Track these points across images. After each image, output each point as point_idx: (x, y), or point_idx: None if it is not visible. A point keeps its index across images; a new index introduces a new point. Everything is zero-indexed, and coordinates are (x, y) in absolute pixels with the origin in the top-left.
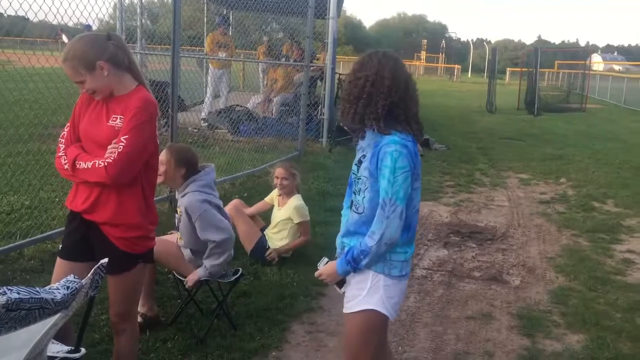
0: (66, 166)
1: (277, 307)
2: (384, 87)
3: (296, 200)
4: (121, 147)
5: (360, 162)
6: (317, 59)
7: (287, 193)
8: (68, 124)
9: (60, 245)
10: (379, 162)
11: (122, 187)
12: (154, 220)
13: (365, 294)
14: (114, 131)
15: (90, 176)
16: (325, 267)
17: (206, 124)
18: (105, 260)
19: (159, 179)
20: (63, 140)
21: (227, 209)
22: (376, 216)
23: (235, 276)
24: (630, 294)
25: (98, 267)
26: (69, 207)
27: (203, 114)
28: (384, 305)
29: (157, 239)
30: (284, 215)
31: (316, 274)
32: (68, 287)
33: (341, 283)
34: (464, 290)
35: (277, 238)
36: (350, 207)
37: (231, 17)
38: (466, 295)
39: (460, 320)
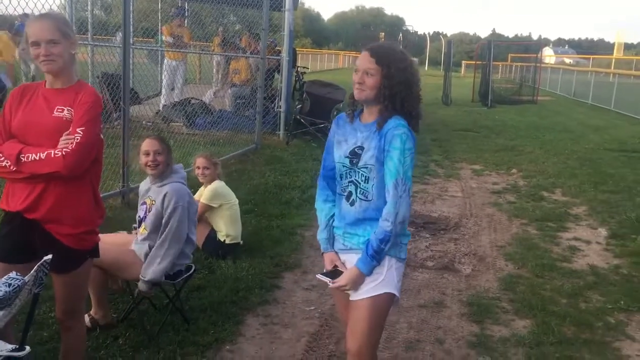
0: (5, 162)
1: (231, 301)
2: (411, 79)
3: (213, 184)
4: (78, 137)
5: (354, 153)
6: (279, 50)
7: (209, 182)
8: None
9: None
10: (386, 144)
11: (70, 181)
12: (102, 214)
13: (382, 278)
14: (62, 122)
15: (43, 167)
16: (346, 277)
17: (148, 121)
18: (49, 256)
19: (153, 170)
20: None
21: None
22: (390, 198)
23: (188, 273)
24: (575, 279)
25: (42, 264)
26: (4, 209)
27: (161, 106)
28: (397, 288)
29: (109, 246)
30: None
31: (335, 286)
32: (10, 285)
33: (334, 275)
34: (417, 280)
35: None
36: (356, 196)
37: (186, 9)
38: (419, 284)
39: (412, 309)
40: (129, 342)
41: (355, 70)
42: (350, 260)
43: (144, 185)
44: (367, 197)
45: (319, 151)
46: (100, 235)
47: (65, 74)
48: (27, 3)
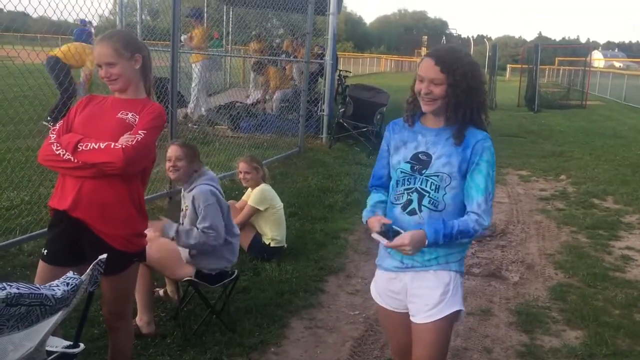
0: (59, 151)
1: (276, 303)
2: (481, 90)
3: (260, 187)
4: (139, 137)
5: (417, 159)
6: (321, 53)
7: (253, 186)
8: (61, 122)
9: (45, 250)
10: (475, 157)
11: (118, 181)
12: (146, 218)
13: (449, 297)
14: (124, 124)
15: (100, 156)
16: (412, 237)
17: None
18: (104, 255)
19: (173, 175)
20: (54, 133)
21: None
22: (482, 212)
23: (231, 277)
24: (629, 290)
25: (97, 263)
26: (54, 207)
27: (188, 109)
28: (463, 302)
29: (155, 243)
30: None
31: (397, 243)
32: (68, 284)
33: (388, 234)
34: (463, 287)
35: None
36: (422, 204)
37: (231, 14)
38: (465, 291)
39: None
40: (176, 341)
41: (419, 80)
42: (410, 284)
43: (183, 190)
44: (437, 207)
45: (361, 155)
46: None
47: (132, 88)
48: (81, 8)
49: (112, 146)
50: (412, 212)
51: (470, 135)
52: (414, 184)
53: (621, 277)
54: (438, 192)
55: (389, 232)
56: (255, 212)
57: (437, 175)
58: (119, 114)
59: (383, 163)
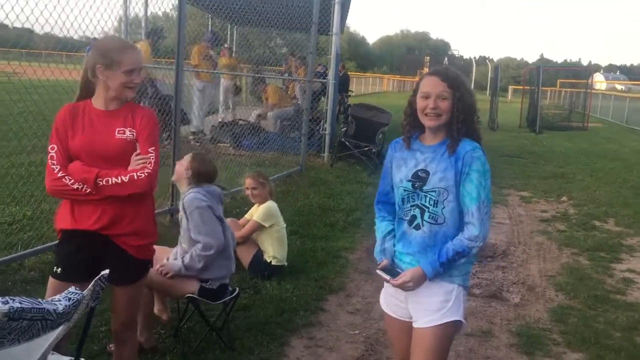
0: (78, 185)
1: (276, 322)
2: (474, 106)
3: (267, 204)
4: (152, 157)
5: (417, 176)
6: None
7: (261, 202)
8: (53, 145)
9: (58, 268)
10: (465, 167)
11: (140, 197)
12: (156, 225)
13: (450, 305)
14: (126, 143)
15: (126, 189)
16: (411, 275)
17: (195, 137)
18: (107, 271)
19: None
20: (55, 162)
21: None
22: (475, 220)
23: (232, 295)
24: (630, 313)
25: (99, 278)
26: (70, 228)
27: (192, 127)
28: (464, 315)
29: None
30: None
31: (398, 282)
32: (69, 299)
33: (392, 273)
34: (466, 303)
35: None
36: (423, 219)
37: (235, 33)
38: (466, 312)
39: (459, 337)
40: (176, 358)
41: (424, 97)
42: (414, 292)
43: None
44: (437, 221)
45: (363, 174)
46: None
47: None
48: (87, 26)
49: (135, 177)
50: (417, 227)
51: (461, 147)
52: (417, 200)
53: (622, 300)
54: (437, 207)
55: (393, 272)
56: (259, 227)
57: (435, 191)
58: (117, 134)
59: (387, 180)
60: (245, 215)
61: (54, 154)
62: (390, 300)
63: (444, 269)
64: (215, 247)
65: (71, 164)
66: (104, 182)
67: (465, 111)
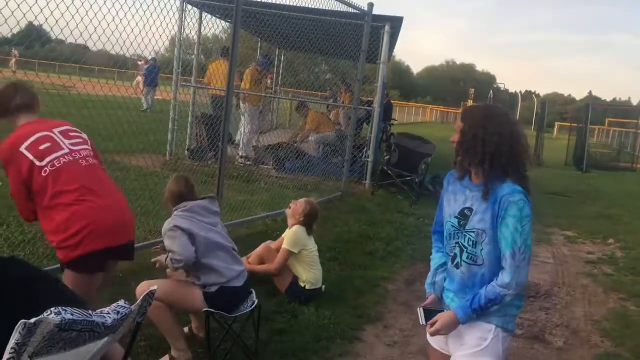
0: None
1: (312, 349)
2: (492, 142)
3: (293, 228)
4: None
5: (463, 214)
6: (370, 100)
7: (291, 224)
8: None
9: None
10: (501, 211)
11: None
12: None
13: (486, 345)
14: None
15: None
16: (442, 322)
17: (245, 160)
18: (155, 287)
19: None
20: None
21: (260, 249)
22: (507, 267)
23: (249, 308)
24: None
25: (148, 294)
26: (106, 246)
27: (241, 151)
28: (501, 357)
29: (160, 282)
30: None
31: (431, 330)
32: (118, 312)
33: (431, 314)
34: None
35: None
36: (461, 259)
37: (282, 57)
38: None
39: None
40: None
41: None
42: (457, 331)
43: None
44: (476, 262)
45: (404, 203)
46: None
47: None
48: (138, 44)
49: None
50: (457, 266)
51: (499, 189)
52: (459, 238)
53: None
54: (475, 248)
55: (432, 313)
56: (290, 254)
57: (474, 232)
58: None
59: (441, 210)
60: (282, 236)
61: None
62: (435, 339)
63: (477, 314)
64: (184, 260)
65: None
66: None
67: (467, 143)
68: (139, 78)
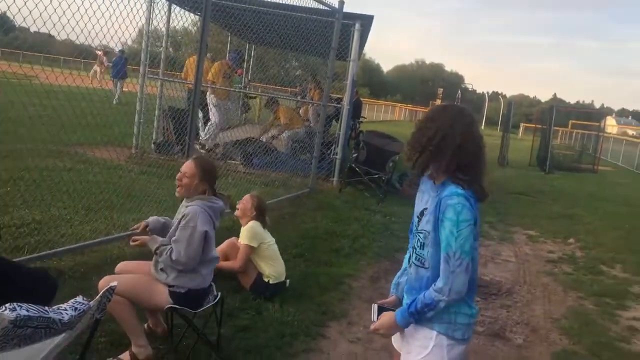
0: None
1: (276, 345)
2: (454, 143)
3: (249, 224)
4: None
5: (422, 214)
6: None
7: (245, 222)
8: None
9: None
10: (440, 214)
11: None
12: None
13: (427, 352)
14: None
15: None
16: (382, 321)
17: (201, 148)
18: (115, 283)
19: (178, 192)
20: None
21: (224, 245)
22: (442, 272)
23: (214, 302)
24: None
25: (107, 290)
26: None
27: (202, 140)
28: None
29: (123, 277)
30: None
31: (372, 328)
32: (76, 309)
33: (382, 312)
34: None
35: None
36: (412, 259)
37: (253, 52)
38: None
39: None
40: None
41: None
42: (407, 331)
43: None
44: (423, 264)
45: (371, 201)
46: (123, 264)
47: None
48: (105, 35)
49: None
50: (410, 266)
51: (443, 191)
52: (413, 239)
53: (627, 349)
54: (423, 249)
55: (382, 311)
56: (250, 249)
57: (421, 233)
58: None
59: None
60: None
61: None
62: (398, 340)
63: (414, 319)
64: (183, 267)
65: None
66: None
67: (420, 140)
68: (97, 67)
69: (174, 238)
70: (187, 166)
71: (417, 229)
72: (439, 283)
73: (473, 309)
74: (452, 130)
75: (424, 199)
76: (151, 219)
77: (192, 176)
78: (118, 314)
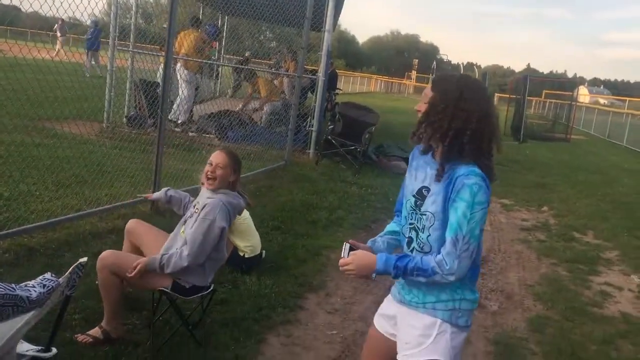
0: None
1: (253, 318)
2: (462, 112)
3: None
4: None
5: (421, 193)
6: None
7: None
8: None
9: None
10: (453, 193)
11: None
12: None
13: (430, 341)
14: None
15: None
16: (357, 257)
17: (173, 126)
18: (85, 259)
19: (208, 181)
20: None
21: None
22: (446, 252)
23: (207, 291)
24: (606, 327)
25: (76, 266)
26: None
27: (172, 116)
28: (449, 355)
29: (127, 254)
30: None
31: (342, 262)
32: (44, 286)
33: (353, 251)
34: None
35: None
36: (407, 244)
37: (226, 23)
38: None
39: None
40: (149, 351)
41: None
42: (400, 317)
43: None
44: (423, 249)
45: (347, 173)
46: (134, 223)
47: None
48: (77, 7)
49: None
50: (413, 251)
51: (456, 169)
52: (415, 220)
53: (599, 313)
54: (424, 233)
55: (348, 250)
56: None
57: (425, 215)
58: None
59: (404, 188)
60: None
61: None
62: (381, 311)
63: (397, 273)
64: (191, 263)
65: None
66: None
67: (433, 116)
68: (60, 38)
69: (190, 229)
70: (219, 157)
71: (420, 211)
72: (447, 264)
73: (475, 293)
74: (476, 109)
75: (420, 176)
76: (155, 194)
77: (226, 166)
78: (107, 290)
